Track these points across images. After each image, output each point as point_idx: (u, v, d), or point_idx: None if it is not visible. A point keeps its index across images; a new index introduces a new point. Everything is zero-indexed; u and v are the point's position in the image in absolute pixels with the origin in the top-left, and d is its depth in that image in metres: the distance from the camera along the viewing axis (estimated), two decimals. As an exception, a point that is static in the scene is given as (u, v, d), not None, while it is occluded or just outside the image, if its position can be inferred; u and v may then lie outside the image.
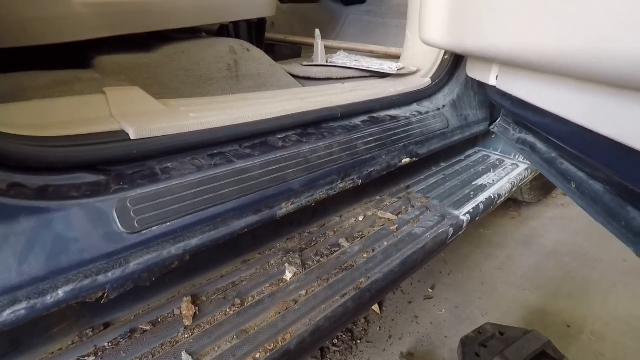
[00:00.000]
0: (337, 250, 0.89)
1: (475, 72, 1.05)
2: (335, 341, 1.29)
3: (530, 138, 1.02)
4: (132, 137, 0.63)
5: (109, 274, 0.56)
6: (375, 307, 1.41)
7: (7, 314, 0.48)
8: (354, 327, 1.34)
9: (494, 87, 0.88)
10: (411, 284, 1.54)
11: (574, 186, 0.74)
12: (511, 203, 2.09)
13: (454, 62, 1.29)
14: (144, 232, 0.59)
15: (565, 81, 0.55)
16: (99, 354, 0.63)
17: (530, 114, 0.77)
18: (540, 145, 0.93)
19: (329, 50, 1.52)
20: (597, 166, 0.63)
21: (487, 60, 0.87)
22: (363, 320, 1.37)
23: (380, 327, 1.35)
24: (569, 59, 0.46)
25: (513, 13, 0.60)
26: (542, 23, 0.52)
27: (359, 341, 1.29)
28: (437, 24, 0.92)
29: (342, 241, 0.93)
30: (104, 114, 0.68)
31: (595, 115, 0.49)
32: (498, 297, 1.47)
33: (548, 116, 0.63)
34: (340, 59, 1.41)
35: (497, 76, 0.85)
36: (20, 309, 0.49)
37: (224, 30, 1.36)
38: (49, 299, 0.51)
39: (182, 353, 0.62)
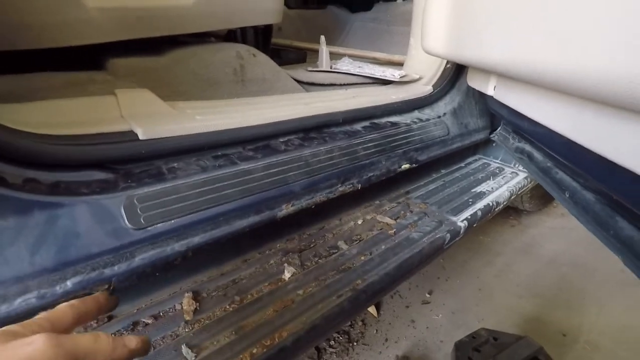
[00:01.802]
0: (336, 252, 0.92)
1: (475, 81, 1.08)
2: (332, 342, 1.31)
3: (527, 147, 1.04)
4: (140, 138, 0.66)
5: (115, 268, 0.59)
6: (373, 310, 1.43)
7: (19, 302, 0.51)
8: (351, 329, 1.36)
9: (492, 97, 0.90)
10: (409, 289, 1.56)
11: (567, 195, 0.76)
12: (511, 211, 2.10)
13: (456, 71, 1.31)
14: (150, 228, 0.62)
15: (556, 95, 0.57)
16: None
17: (525, 124, 0.79)
18: (537, 154, 0.95)
19: (334, 56, 1.54)
20: (587, 177, 0.65)
21: (486, 71, 0.89)
22: (360, 323, 1.39)
23: (377, 330, 1.36)
24: (561, 75, 0.48)
25: (510, 27, 0.62)
26: (536, 38, 0.54)
27: (355, 343, 1.31)
28: (438, 34, 0.95)
29: (341, 243, 0.95)
30: (114, 114, 0.71)
31: (581, 130, 0.51)
32: (495, 304, 1.49)
33: (541, 127, 0.65)
34: (344, 65, 1.44)
35: (494, 87, 0.87)
36: (30, 298, 0.51)
37: (231, 35, 1.39)
38: (58, 289, 0.54)
39: (182, 346, 0.65)
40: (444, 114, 1.28)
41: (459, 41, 0.84)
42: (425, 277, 1.62)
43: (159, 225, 0.62)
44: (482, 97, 1.35)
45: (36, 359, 0.30)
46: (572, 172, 0.74)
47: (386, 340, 1.32)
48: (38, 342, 0.30)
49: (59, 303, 0.53)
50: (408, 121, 1.15)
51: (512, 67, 0.60)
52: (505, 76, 0.75)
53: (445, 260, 1.72)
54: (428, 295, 1.53)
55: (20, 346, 0.30)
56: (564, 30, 0.47)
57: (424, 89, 1.28)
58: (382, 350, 1.28)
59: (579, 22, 0.45)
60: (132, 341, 0.39)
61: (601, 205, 0.64)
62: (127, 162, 0.66)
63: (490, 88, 0.89)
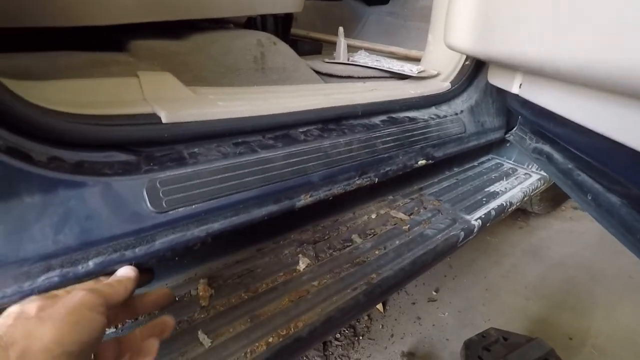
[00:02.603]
0: (350, 245, 0.91)
1: (496, 79, 1.06)
2: (338, 336, 1.31)
3: (547, 148, 1.03)
4: (163, 121, 0.65)
5: (136, 250, 0.58)
6: (379, 306, 1.43)
7: (42, 280, 0.50)
8: (357, 323, 1.36)
9: (516, 95, 0.88)
10: (415, 286, 1.56)
11: (589, 198, 0.75)
12: (519, 213, 2.09)
13: (475, 68, 1.30)
14: (171, 212, 0.61)
15: (595, 92, 0.56)
16: (119, 326, 0.65)
17: (551, 123, 0.78)
18: (557, 155, 0.94)
19: (350, 48, 1.53)
20: (618, 179, 0.64)
21: (511, 68, 0.88)
22: (366, 318, 1.39)
23: (382, 326, 1.37)
24: (600, 72, 0.47)
25: (544, 23, 0.61)
26: (574, 34, 0.53)
27: (361, 337, 1.31)
28: (463, 30, 0.93)
29: (355, 237, 0.94)
30: (137, 96, 0.71)
31: (626, 128, 0.49)
32: (501, 304, 1.48)
33: (571, 126, 0.64)
34: (362, 58, 1.42)
35: (520, 84, 0.86)
36: (53, 276, 0.51)
37: (251, 23, 1.37)
38: (80, 268, 0.53)
39: (199, 332, 0.65)
40: (461, 111, 1.26)
41: (485, 37, 0.83)
42: (431, 275, 1.61)
43: (180, 209, 0.62)
44: (500, 95, 1.34)
45: (83, 302, 0.40)
46: (597, 174, 0.73)
47: (392, 335, 1.33)
48: (78, 292, 0.41)
49: (80, 282, 0.54)
50: (425, 117, 1.14)
51: (547, 64, 0.59)
52: (537, 73, 0.73)
53: (453, 259, 1.71)
54: (434, 293, 1.53)
55: (64, 297, 0.40)
56: (613, 25, 0.46)
57: (441, 85, 1.26)
58: (387, 346, 1.29)
59: (631, 15, 0.43)
60: (130, 275, 0.53)
61: (627, 208, 0.63)
62: (149, 145, 0.66)
63: (515, 86, 0.87)
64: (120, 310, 0.52)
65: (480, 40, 0.85)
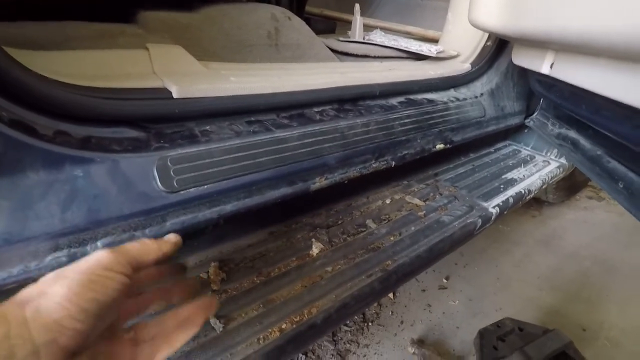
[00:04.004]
0: (364, 231, 0.88)
1: (523, 59, 1.00)
2: (347, 321, 1.30)
3: (572, 134, 0.98)
4: (174, 96, 0.62)
5: (146, 231, 0.56)
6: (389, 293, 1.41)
7: (49, 260, 0.48)
8: (366, 309, 1.35)
9: (545, 75, 0.83)
10: (426, 273, 1.53)
11: (621, 186, 0.70)
12: (533, 201, 2.04)
13: (497, 49, 1.24)
14: (182, 192, 0.58)
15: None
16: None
17: (583, 105, 0.73)
18: (584, 141, 0.89)
19: (365, 28, 1.47)
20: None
21: (543, 46, 0.82)
22: (376, 304, 1.37)
23: (392, 312, 1.35)
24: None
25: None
26: (622, 4, 0.48)
27: (370, 323, 1.30)
28: (490, 6, 0.87)
29: (369, 222, 0.91)
30: (146, 70, 0.67)
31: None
32: (513, 294, 1.46)
33: (608, 108, 0.60)
34: (378, 37, 1.36)
35: (552, 64, 0.80)
36: (61, 256, 0.49)
37: (265, -3, 1.32)
38: (88, 249, 0.51)
39: (210, 316, 0.63)
40: (481, 94, 1.21)
41: (516, 13, 0.77)
42: (442, 262, 1.59)
43: (191, 189, 0.59)
44: (521, 78, 1.28)
45: (99, 261, 0.39)
46: (632, 161, 0.68)
47: (402, 322, 1.31)
48: (97, 252, 0.40)
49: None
50: (445, 99, 1.09)
51: (591, 38, 0.54)
52: (574, 50, 0.68)
53: (464, 247, 1.68)
54: (445, 281, 1.50)
55: (86, 258, 0.39)
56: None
57: (462, 66, 1.21)
58: (397, 332, 1.27)
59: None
60: (171, 238, 0.48)
61: (666, 198, 0.60)
62: (159, 121, 0.62)
63: (545, 65, 0.82)
64: (158, 291, 0.50)
65: (510, 17, 0.80)
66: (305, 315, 0.65)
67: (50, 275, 0.38)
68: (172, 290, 0.51)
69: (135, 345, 0.44)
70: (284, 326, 0.63)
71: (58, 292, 0.35)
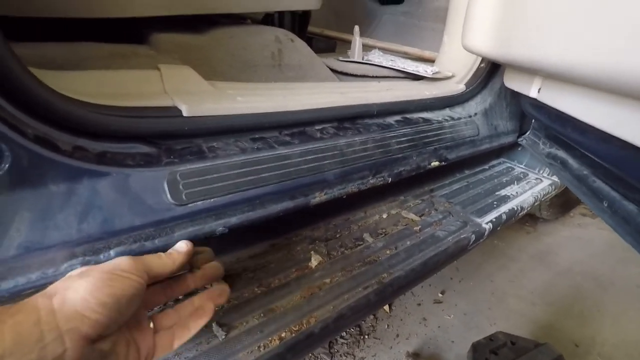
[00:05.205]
0: (361, 244, 0.92)
1: (513, 82, 1.05)
2: (344, 334, 1.32)
3: (561, 154, 1.02)
4: (184, 114, 0.66)
5: (156, 241, 0.59)
6: (385, 306, 1.44)
7: (65, 267, 0.51)
8: (363, 322, 1.37)
9: (534, 99, 0.88)
10: (421, 287, 1.56)
11: (605, 205, 0.74)
12: (527, 218, 2.08)
13: (490, 71, 1.29)
14: (190, 205, 0.62)
15: (621, 99, 0.55)
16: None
17: (569, 129, 0.77)
18: (571, 161, 0.93)
19: (364, 47, 1.52)
20: (636, 186, 0.63)
21: (531, 72, 0.87)
22: (372, 317, 1.39)
23: (388, 325, 1.37)
24: (629, 79, 0.47)
25: (569, 28, 0.60)
26: (602, 40, 0.52)
27: (366, 336, 1.32)
28: (482, 32, 0.92)
29: (366, 236, 0.95)
30: (158, 89, 0.71)
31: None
32: (507, 309, 1.48)
33: (591, 132, 0.64)
34: (376, 57, 1.42)
35: (539, 89, 0.85)
36: (76, 264, 0.52)
37: (268, 20, 1.38)
38: (102, 257, 0.54)
39: (213, 324, 0.65)
40: (475, 113, 1.26)
41: (506, 40, 0.82)
42: (438, 277, 1.61)
43: (199, 202, 0.63)
44: (514, 99, 1.33)
45: (119, 264, 0.45)
46: (615, 181, 0.72)
47: (397, 335, 1.33)
48: (121, 257, 0.46)
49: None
50: (440, 118, 1.14)
51: (572, 69, 0.58)
52: (558, 78, 0.73)
53: (459, 262, 1.71)
54: (440, 295, 1.53)
55: (109, 261, 0.45)
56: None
57: (456, 87, 1.26)
58: (392, 346, 1.29)
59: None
60: (182, 248, 0.55)
61: (645, 217, 0.63)
62: (169, 137, 0.66)
63: (533, 89, 0.86)
64: (174, 282, 0.57)
65: (500, 43, 0.85)
66: (304, 325, 0.68)
67: (76, 272, 0.44)
68: (193, 278, 0.59)
69: (156, 332, 0.50)
70: (283, 335, 0.65)
71: (82, 286, 0.40)
